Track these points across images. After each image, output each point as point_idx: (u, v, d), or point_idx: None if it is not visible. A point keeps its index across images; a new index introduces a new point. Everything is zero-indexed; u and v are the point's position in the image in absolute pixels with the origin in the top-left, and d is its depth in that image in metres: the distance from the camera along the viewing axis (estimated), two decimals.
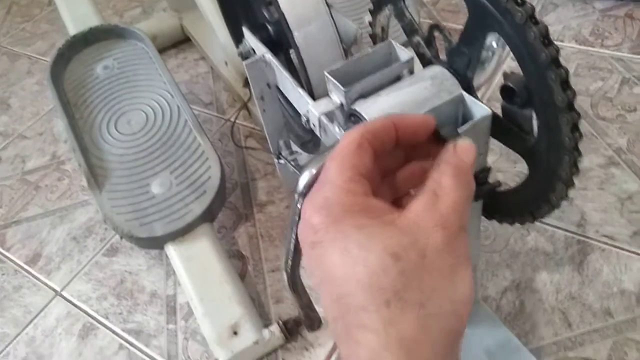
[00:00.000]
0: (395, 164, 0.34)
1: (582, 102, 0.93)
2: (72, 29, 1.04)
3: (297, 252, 0.51)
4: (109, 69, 0.97)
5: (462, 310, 0.28)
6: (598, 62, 1.01)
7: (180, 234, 0.77)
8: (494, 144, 0.46)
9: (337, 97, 0.51)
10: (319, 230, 0.28)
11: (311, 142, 0.75)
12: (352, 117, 0.48)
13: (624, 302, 0.68)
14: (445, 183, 0.29)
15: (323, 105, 0.53)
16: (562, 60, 0.37)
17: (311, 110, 0.54)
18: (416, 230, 0.28)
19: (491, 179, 0.48)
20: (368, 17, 0.60)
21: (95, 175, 0.85)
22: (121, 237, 0.85)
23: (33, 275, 0.90)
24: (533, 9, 0.36)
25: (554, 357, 0.65)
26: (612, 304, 0.68)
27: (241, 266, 0.83)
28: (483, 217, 0.53)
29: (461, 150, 0.31)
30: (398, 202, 0.34)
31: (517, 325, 0.68)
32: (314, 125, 0.55)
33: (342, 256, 0.27)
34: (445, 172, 0.30)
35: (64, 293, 0.87)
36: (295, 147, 0.81)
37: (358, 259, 0.26)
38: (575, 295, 0.70)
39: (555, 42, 0.37)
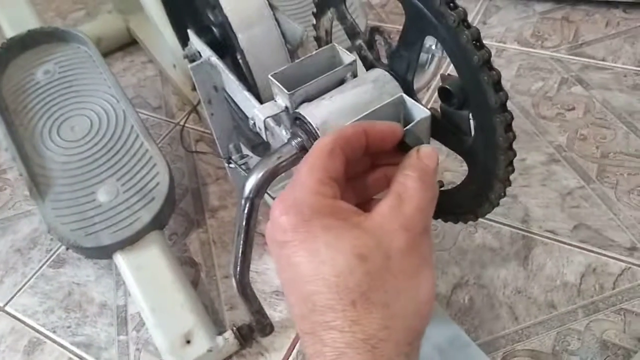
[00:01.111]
0: (361, 169, 0.35)
1: (524, 102, 0.97)
2: (9, 32, 0.99)
3: (245, 257, 0.51)
4: (50, 74, 0.93)
5: (425, 310, 0.29)
6: (539, 62, 1.05)
7: (128, 243, 0.75)
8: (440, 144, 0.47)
9: (282, 100, 0.51)
10: (288, 230, 0.29)
11: (261, 145, 0.75)
12: (297, 121, 0.48)
13: (566, 294, 0.71)
14: (410, 186, 0.31)
15: (268, 108, 0.53)
16: (502, 60, 0.38)
17: (256, 113, 0.53)
18: (381, 233, 0.29)
19: (439, 178, 0.49)
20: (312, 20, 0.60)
21: (38, 184, 0.81)
22: (67, 248, 0.82)
23: None
24: (465, 12, 0.37)
25: (503, 351, 0.67)
26: (556, 296, 0.71)
27: (194, 273, 0.82)
28: None
29: (424, 155, 0.33)
30: (361, 206, 0.34)
31: (467, 321, 0.70)
32: (259, 129, 0.55)
33: (310, 256, 0.28)
34: (410, 176, 0.31)
35: (7, 308, 0.83)
36: (246, 151, 0.80)
37: (326, 259, 0.27)
38: (521, 290, 0.72)
39: (498, 44, 0.38)
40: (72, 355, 0.76)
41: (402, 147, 0.35)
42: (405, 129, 0.38)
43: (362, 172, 0.36)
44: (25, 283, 0.85)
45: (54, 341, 0.78)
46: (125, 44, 1.26)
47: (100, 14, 1.35)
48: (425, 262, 0.29)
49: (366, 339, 0.26)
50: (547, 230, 0.78)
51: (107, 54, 1.22)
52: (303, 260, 0.28)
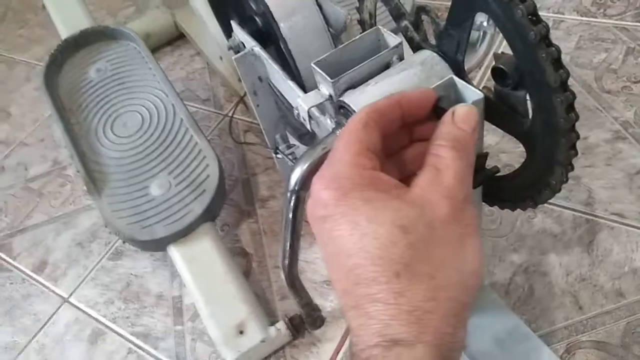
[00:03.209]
0: (400, 145, 0.34)
1: (585, 76, 0.90)
2: (64, 33, 1.03)
3: (293, 250, 0.51)
4: (102, 72, 0.96)
5: (472, 280, 0.28)
6: (601, 33, 0.98)
7: (181, 235, 0.77)
8: None
9: (325, 88, 0.49)
10: (329, 205, 0.28)
11: (308, 134, 0.74)
12: (341, 109, 0.46)
13: (636, 281, 0.66)
14: (444, 156, 0.30)
15: (312, 97, 0.51)
16: (560, 32, 0.35)
17: (300, 103, 0.52)
18: (422, 203, 0.28)
19: (495, 161, 0.46)
20: (356, 3, 0.58)
21: (94, 180, 0.84)
22: (123, 241, 0.84)
23: (40, 283, 0.91)
24: None
25: (566, 342, 0.63)
26: (624, 284, 0.66)
27: (245, 263, 0.82)
28: (485, 204, 0.52)
29: (459, 118, 0.31)
30: (404, 182, 0.33)
31: (527, 311, 0.67)
32: (303, 119, 0.54)
33: (352, 229, 0.27)
34: (443, 146, 0.30)
35: (71, 299, 0.87)
36: (293, 140, 0.80)
37: (368, 231, 0.27)
38: (585, 277, 0.68)
39: (556, 15, 0.35)
40: (131, 345, 0.78)
41: (439, 114, 0.33)
42: (440, 94, 0.36)
43: (402, 148, 0.35)
44: (87, 275, 0.89)
45: (115, 331, 0.80)
46: (174, 38, 1.28)
47: (149, 10, 1.38)
48: (469, 231, 0.29)
49: (411, 311, 0.26)
50: (613, 213, 0.73)
51: (156, 48, 1.24)
52: (345, 234, 0.28)
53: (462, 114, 0.32)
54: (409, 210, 0.28)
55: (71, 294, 0.87)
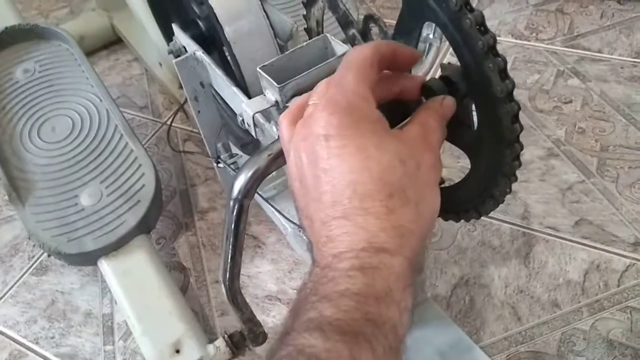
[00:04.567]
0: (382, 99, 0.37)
1: (520, 96, 0.94)
2: None
3: (235, 263, 0.48)
4: (30, 72, 0.89)
5: (434, 217, 0.34)
6: (534, 55, 1.03)
7: (113, 248, 0.72)
8: None
9: (271, 94, 0.48)
10: (337, 127, 0.32)
11: (251, 143, 0.72)
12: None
13: (570, 292, 0.69)
14: (431, 123, 0.35)
15: (257, 103, 0.50)
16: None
17: (245, 109, 0.51)
18: (413, 146, 0.33)
19: None
20: (303, 11, 0.57)
21: (17, 188, 0.78)
22: (49, 255, 0.78)
23: None
24: None
25: (506, 353, 0.64)
26: (559, 295, 0.69)
27: (182, 278, 0.79)
28: None
29: (446, 105, 0.37)
30: None
31: (468, 323, 0.67)
32: (248, 125, 0.52)
33: (358, 151, 0.31)
34: (433, 116, 0.36)
35: None
36: (235, 150, 0.77)
37: (373, 156, 0.31)
38: (523, 289, 0.70)
39: None
40: None
41: (426, 93, 0.38)
42: (432, 77, 0.39)
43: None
44: (6, 292, 0.82)
45: (37, 353, 0.74)
46: (110, 42, 1.22)
47: (84, 12, 1.31)
48: (436, 183, 0.34)
49: (397, 227, 0.31)
50: (548, 226, 0.76)
51: (91, 52, 1.18)
52: (352, 153, 0.31)
53: (449, 103, 0.37)
54: (405, 148, 0.33)
55: None
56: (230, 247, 0.46)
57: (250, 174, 0.44)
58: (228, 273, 0.47)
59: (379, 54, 0.35)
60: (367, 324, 0.28)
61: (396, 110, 0.38)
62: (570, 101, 0.93)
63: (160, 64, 1.04)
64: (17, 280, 0.83)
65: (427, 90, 0.38)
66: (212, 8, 0.57)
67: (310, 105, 0.35)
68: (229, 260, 0.46)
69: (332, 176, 0.31)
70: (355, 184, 0.31)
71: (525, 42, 1.06)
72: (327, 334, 0.27)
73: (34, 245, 0.87)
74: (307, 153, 0.33)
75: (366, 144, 0.32)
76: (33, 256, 0.86)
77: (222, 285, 0.48)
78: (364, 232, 0.30)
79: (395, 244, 0.30)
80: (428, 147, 0.34)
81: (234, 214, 0.44)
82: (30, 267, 0.84)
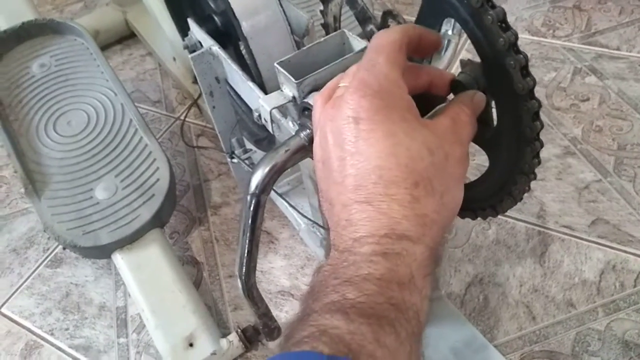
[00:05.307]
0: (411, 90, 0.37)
1: (537, 93, 0.93)
2: (3, 24, 0.96)
3: (251, 257, 0.48)
4: (46, 67, 0.90)
5: (456, 210, 0.34)
6: (551, 52, 1.01)
7: (127, 242, 0.73)
8: None
9: (289, 90, 0.48)
10: (368, 110, 0.31)
11: (266, 139, 0.72)
12: (305, 111, 0.45)
13: (585, 292, 0.68)
14: (463, 118, 0.35)
15: (275, 98, 0.50)
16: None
17: (262, 104, 0.50)
18: (443, 137, 0.33)
19: None
20: (320, 6, 0.57)
21: (34, 181, 0.78)
22: (64, 247, 0.79)
23: None
24: None
25: (520, 352, 0.64)
26: (574, 294, 0.68)
27: (196, 273, 0.79)
28: None
29: (477, 100, 0.37)
30: None
31: (482, 321, 0.67)
32: (265, 121, 0.52)
33: (387, 137, 0.31)
34: (464, 110, 0.35)
35: (3, 310, 0.80)
36: (249, 145, 0.77)
37: (402, 142, 0.31)
38: (538, 288, 0.69)
39: None
40: (70, 359, 0.73)
41: (455, 88, 0.38)
42: (462, 72, 0.39)
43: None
44: (22, 284, 0.82)
45: (52, 344, 0.75)
46: (124, 37, 1.23)
47: (98, 7, 1.32)
48: (462, 178, 0.34)
49: (420, 216, 0.30)
50: (563, 225, 0.75)
51: (105, 47, 1.19)
52: (380, 138, 0.31)
53: (480, 98, 0.37)
54: (434, 138, 0.32)
55: (3, 304, 0.80)
56: (247, 241, 0.46)
57: (267, 169, 0.44)
58: (245, 267, 0.47)
59: (407, 37, 0.34)
60: (391, 308, 0.28)
61: (422, 104, 0.38)
62: (588, 99, 0.92)
63: (174, 59, 1.04)
64: (32, 272, 0.84)
65: (457, 85, 0.38)
66: (228, 3, 0.57)
67: (341, 87, 0.34)
68: (246, 254, 0.46)
69: (357, 159, 0.31)
70: (382, 169, 0.30)
71: (542, 39, 1.04)
72: (351, 316, 0.27)
73: (48, 238, 0.87)
74: (333, 134, 0.33)
75: (396, 130, 0.31)
76: (48, 249, 0.86)
77: (238, 280, 0.48)
78: (386, 218, 0.30)
79: (418, 233, 0.30)
80: (458, 140, 0.34)
81: (251, 209, 0.44)
82: (45, 259, 0.85)
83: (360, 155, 0.31)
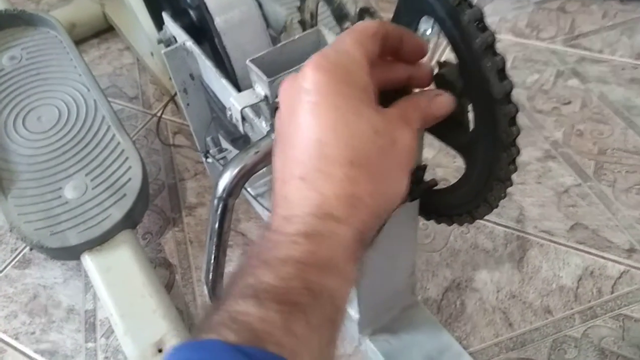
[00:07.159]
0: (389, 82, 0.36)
1: (519, 95, 0.93)
2: None
3: (218, 263, 0.46)
4: (16, 60, 0.87)
5: (397, 200, 0.33)
6: (534, 54, 1.01)
7: (97, 243, 0.70)
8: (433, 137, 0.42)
9: (261, 88, 0.46)
10: (324, 85, 0.30)
11: (242, 138, 0.70)
12: (277, 111, 0.43)
13: (563, 298, 0.67)
14: (415, 113, 0.34)
15: (246, 97, 0.48)
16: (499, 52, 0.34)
17: (233, 102, 0.49)
18: (394, 123, 0.32)
19: (431, 175, 0.45)
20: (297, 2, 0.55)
21: (0, 179, 0.75)
22: (31, 248, 0.76)
23: None
24: None
25: (496, 359, 0.63)
26: (552, 301, 0.67)
27: (168, 275, 0.77)
28: (421, 217, 0.50)
29: (439, 102, 0.35)
30: None
31: (458, 327, 0.66)
32: (236, 120, 0.50)
33: (337, 114, 0.30)
34: (421, 106, 0.34)
35: None
36: (225, 144, 0.75)
37: (348, 120, 0.30)
38: (515, 294, 0.68)
39: None
40: None
41: (438, 82, 0.37)
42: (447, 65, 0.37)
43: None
44: None
45: (16, 349, 0.72)
46: (101, 31, 1.20)
47: None
48: (407, 168, 0.33)
49: (350, 196, 0.29)
50: (542, 230, 0.74)
51: (81, 40, 1.16)
52: (330, 115, 0.30)
53: (445, 101, 0.36)
54: (384, 122, 0.32)
55: None
56: (214, 247, 0.44)
57: (235, 171, 0.42)
58: (211, 274, 0.45)
59: (385, 30, 0.33)
60: (305, 292, 0.27)
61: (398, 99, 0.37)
62: (570, 102, 0.91)
63: (152, 54, 1.02)
64: None
65: (440, 79, 0.36)
66: None
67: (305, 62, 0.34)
68: (212, 260, 0.45)
69: (305, 133, 0.30)
70: (321, 143, 0.30)
71: (525, 41, 1.04)
72: (263, 302, 0.26)
73: (17, 238, 0.84)
74: (286, 106, 0.32)
75: (341, 106, 0.30)
76: (16, 249, 0.84)
77: (204, 286, 0.46)
78: (317, 195, 0.29)
79: (345, 213, 0.29)
80: (408, 128, 0.33)
81: (218, 213, 0.43)
82: (13, 259, 0.82)
83: (309, 128, 0.30)
